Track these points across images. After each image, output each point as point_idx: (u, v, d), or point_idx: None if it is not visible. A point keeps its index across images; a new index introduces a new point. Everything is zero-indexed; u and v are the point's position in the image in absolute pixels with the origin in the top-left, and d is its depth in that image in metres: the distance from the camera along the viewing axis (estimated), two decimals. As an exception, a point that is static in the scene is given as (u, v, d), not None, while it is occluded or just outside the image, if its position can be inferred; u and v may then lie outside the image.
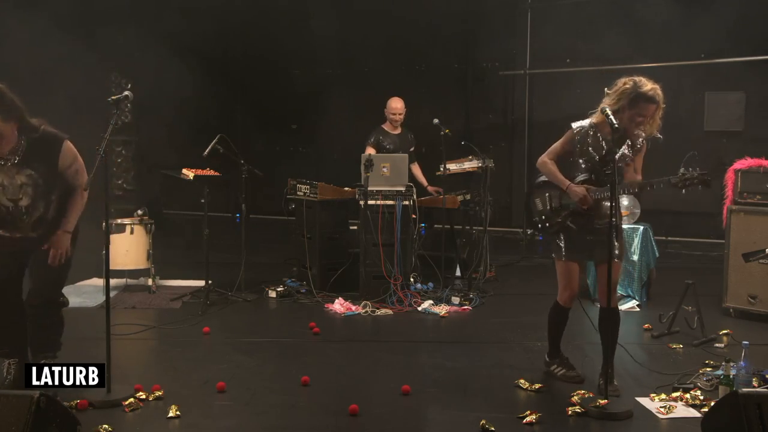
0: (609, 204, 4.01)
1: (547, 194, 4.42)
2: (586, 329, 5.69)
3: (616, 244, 4.10)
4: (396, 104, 7.07)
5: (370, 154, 6.26)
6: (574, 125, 4.35)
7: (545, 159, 4.38)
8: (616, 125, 3.97)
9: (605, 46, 9.11)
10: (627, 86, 4.11)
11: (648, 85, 4.07)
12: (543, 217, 4.42)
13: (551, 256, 4.41)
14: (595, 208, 4.23)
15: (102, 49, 8.33)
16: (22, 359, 4.09)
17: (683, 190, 4.00)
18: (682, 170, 3.98)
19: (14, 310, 4.09)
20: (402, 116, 7.07)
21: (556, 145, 4.40)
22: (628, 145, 4.25)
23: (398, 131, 7.13)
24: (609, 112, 4.04)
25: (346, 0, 10.05)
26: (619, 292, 6.31)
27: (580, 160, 4.29)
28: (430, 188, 7.21)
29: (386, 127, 7.12)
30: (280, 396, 4.16)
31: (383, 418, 3.87)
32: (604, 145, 4.24)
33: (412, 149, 7.20)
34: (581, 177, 4.28)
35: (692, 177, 3.94)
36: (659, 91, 4.09)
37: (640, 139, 4.26)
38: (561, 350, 4.56)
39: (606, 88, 4.32)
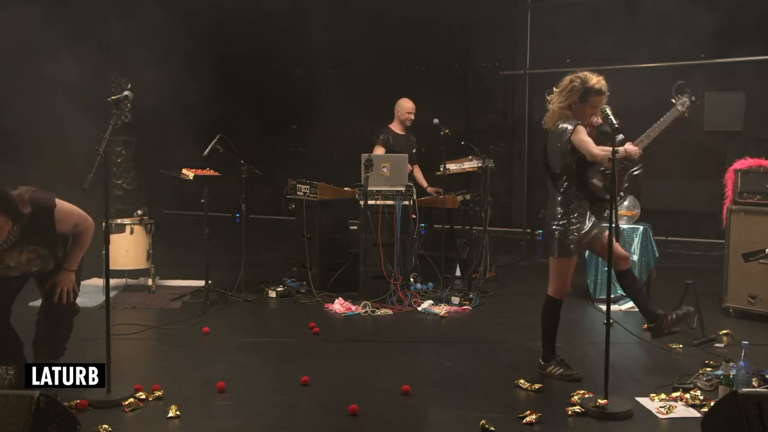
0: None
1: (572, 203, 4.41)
2: (586, 329, 5.70)
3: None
4: (410, 104, 7.07)
5: (370, 154, 6.25)
6: (570, 124, 4.31)
7: (594, 148, 4.21)
8: (617, 125, 3.99)
9: (605, 46, 9.10)
10: (575, 83, 4.30)
11: (594, 79, 4.29)
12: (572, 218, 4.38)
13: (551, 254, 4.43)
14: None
15: (102, 49, 8.33)
16: (20, 365, 4.04)
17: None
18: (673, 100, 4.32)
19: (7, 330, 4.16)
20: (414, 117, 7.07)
21: (588, 138, 4.27)
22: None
23: (403, 132, 7.13)
24: (609, 112, 4.07)
25: (345, 0, 10.05)
26: (619, 292, 6.29)
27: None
28: (430, 189, 7.21)
29: (394, 127, 7.11)
30: (280, 396, 4.16)
31: (383, 418, 3.88)
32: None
33: (413, 151, 7.20)
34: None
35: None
36: (604, 82, 4.31)
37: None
38: (555, 351, 4.57)
39: (554, 87, 4.43)
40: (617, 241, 4.37)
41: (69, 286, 4.09)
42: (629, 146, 4.29)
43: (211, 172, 6.38)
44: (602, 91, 4.30)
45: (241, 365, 4.68)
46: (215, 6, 9.53)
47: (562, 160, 4.33)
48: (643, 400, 4.06)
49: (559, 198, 4.40)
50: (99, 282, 6.81)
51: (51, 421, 3.08)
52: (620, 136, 4.10)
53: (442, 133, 6.79)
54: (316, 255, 6.64)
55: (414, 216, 6.37)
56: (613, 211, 4.02)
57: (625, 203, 6.24)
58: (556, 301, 4.49)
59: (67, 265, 4.08)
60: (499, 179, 8.53)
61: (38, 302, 6.24)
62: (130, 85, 8.42)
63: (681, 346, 5.08)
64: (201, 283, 6.31)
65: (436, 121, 6.82)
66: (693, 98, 4.60)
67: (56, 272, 4.05)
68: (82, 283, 6.77)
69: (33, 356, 4.16)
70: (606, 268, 4.33)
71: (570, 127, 4.27)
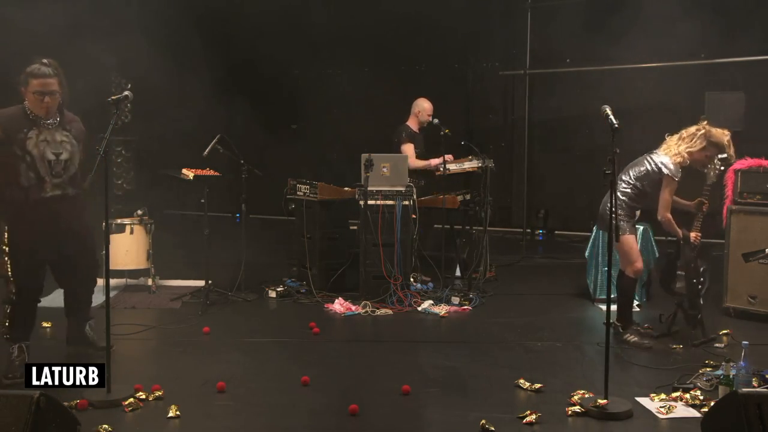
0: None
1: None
2: (586, 329, 5.70)
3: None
4: (430, 105, 7.05)
5: (370, 154, 6.24)
6: (671, 172, 5.03)
7: (666, 215, 5.10)
8: (616, 125, 4.08)
9: (605, 46, 9.11)
10: (700, 131, 5.02)
11: (723, 136, 5.04)
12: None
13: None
14: None
15: (102, 49, 8.32)
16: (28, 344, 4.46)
17: None
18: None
19: (40, 291, 4.50)
20: None
21: (668, 198, 5.07)
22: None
23: (418, 130, 7.12)
24: (609, 112, 4.16)
25: (345, 0, 10.06)
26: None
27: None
28: (443, 158, 6.74)
29: (411, 124, 7.10)
30: (280, 396, 4.16)
31: (383, 418, 3.88)
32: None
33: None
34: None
35: None
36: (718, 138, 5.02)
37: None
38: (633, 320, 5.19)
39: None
40: (616, 241, 4.49)
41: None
42: (687, 234, 5.12)
43: (211, 172, 6.38)
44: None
45: (241, 365, 4.68)
46: (215, 6, 9.54)
47: None
48: (643, 400, 4.06)
49: None
50: (99, 282, 6.79)
51: (51, 421, 3.08)
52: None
53: (442, 133, 6.79)
54: (316, 255, 6.63)
55: (414, 216, 6.36)
56: (613, 211, 4.08)
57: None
58: (629, 278, 5.19)
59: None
60: (499, 179, 8.52)
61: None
62: (130, 85, 8.42)
63: (681, 346, 5.08)
64: (201, 283, 6.31)
65: (436, 121, 6.84)
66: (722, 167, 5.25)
67: (80, 194, 4.46)
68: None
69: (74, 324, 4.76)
70: (606, 269, 4.34)
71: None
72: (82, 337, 4.78)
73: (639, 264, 5.12)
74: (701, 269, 5.24)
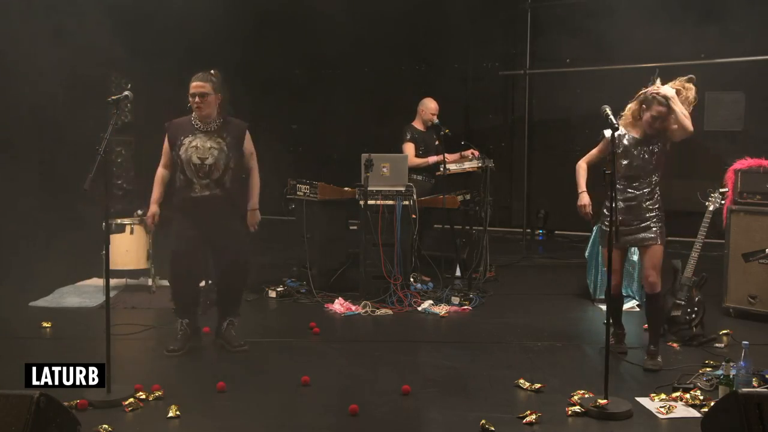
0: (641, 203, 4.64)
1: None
2: (586, 329, 5.70)
3: (654, 228, 4.67)
4: (435, 105, 7.04)
5: (370, 154, 6.24)
6: (607, 133, 4.64)
7: (581, 162, 4.91)
8: (616, 125, 4.13)
9: (605, 46, 9.11)
10: (645, 90, 4.62)
11: (653, 88, 4.57)
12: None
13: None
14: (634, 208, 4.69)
15: (102, 48, 8.32)
16: (193, 321, 4.97)
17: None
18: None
19: (192, 276, 4.93)
20: None
21: (593, 151, 4.88)
22: (654, 143, 4.68)
23: (425, 130, 7.12)
24: (609, 112, 4.21)
25: (346, 0, 10.05)
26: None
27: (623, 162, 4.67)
28: (443, 157, 6.77)
29: (417, 125, 7.10)
30: (280, 396, 4.16)
31: (383, 418, 3.88)
32: (633, 146, 4.67)
33: (437, 143, 7.14)
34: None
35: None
36: (667, 91, 4.52)
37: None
38: (621, 325, 5.00)
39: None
40: (616, 241, 4.43)
41: (256, 220, 5.00)
42: (582, 195, 4.81)
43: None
44: (661, 102, 4.50)
45: (241, 365, 4.68)
46: (215, 6, 9.53)
47: None
48: (643, 400, 4.06)
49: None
50: (99, 282, 6.81)
51: (51, 421, 3.08)
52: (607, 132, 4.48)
53: (442, 133, 6.80)
54: (316, 255, 6.63)
55: (414, 216, 6.36)
56: (613, 211, 4.09)
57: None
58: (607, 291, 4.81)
59: (252, 204, 5.00)
60: (499, 179, 8.52)
61: (38, 302, 6.29)
62: (130, 85, 8.41)
63: (681, 346, 5.08)
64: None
65: (436, 121, 6.85)
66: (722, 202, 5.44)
67: (229, 197, 4.80)
68: (82, 283, 6.87)
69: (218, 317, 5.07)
70: (606, 268, 4.35)
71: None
72: (220, 332, 5.05)
73: (613, 280, 4.61)
74: (696, 299, 5.27)
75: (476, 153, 7.01)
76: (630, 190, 4.68)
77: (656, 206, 4.71)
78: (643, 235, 4.68)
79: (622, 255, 4.89)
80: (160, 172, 4.95)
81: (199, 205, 4.77)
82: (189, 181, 4.75)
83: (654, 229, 4.67)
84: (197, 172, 4.71)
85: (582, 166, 4.89)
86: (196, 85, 4.69)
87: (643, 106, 4.59)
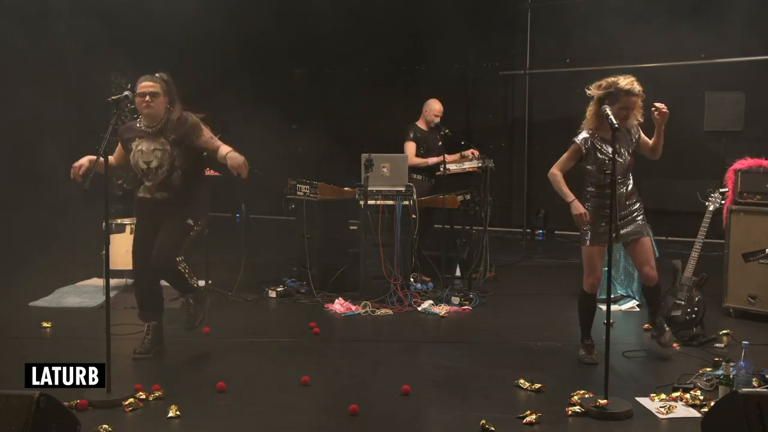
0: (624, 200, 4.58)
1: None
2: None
3: (639, 220, 4.69)
4: (439, 106, 7.03)
5: (370, 154, 6.25)
6: (578, 139, 4.64)
7: (555, 171, 4.73)
8: (616, 125, 4.09)
9: (605, 46, 9.11)
10: (604, 84, 4.47)
11: (625, 80, 4.44)
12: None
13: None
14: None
15: (102, 48, 8.33)
16: (159, 324, 4.91)
17: None
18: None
19: (149, 277, 4.81)
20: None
21: (563, 158, 4.73)
22: (627, 138, 4.63)
23: (428, 130, 7.11)
24: (609, 113, 4.19)
25: (346, 0, 10.05)
26: (619, 292, 6.32)
27: (591, 168, 4.62)
28: (443, 157, 6.80)
29: (420, 125, 7.10)
30: (280, 396, 4.16)
31: (383, 418, 3.88)
32: (605, 147, 4.58)
33: (440, 144, 7.13)
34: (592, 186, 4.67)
35: None
36: (636, 83, 4.45)
37: (634, 129, 4.65)
38: (590, 335, 4.82)
39: (587, 90, 4.58)
40: (616, 242, 4.45)
41: (241, 160, 4.61)
42: (576, 203, 4.64)
43: (211, 172, 6.37)
44: (633, 91, 4.42)
45: (241, 365, 4.68)
46: (215, 6, 9.53)
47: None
48: (643, 400, 4.06)
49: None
50: (99, 282, 6.81)
51: (51, 421, 3.07)
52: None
53: (442, 133, 6.80)
54: (316, 255, 6.63)
55: (414, 216, 6.37)
56: (613, 210, 4.10)
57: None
58: (583, 292, 4.84)
59: (225, 153, 4.65)
60: (499, 179, 8.52)
61: (38, 302, 6.29)
62: (130, 85, 8.41)
63: (680, 346, 5.08)
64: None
65: (437, 121, 6.85)
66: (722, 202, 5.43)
67: (176, 198, 4.70)
68: (82, 283, 6.87)
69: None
70: (606, 268, 4.34)
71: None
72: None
73: (591, 278, 4.71)
74: (696, 299, 5.27)
75: (476, 153, 7.02)
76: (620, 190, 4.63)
77: (637, 200, 4.72)
78: (630, 228, 4.67)
79: (602, 254, 4.72)
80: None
81: (149, 207, 4.78)
82: (140, 182, 4.81)
83: (639, 221, 4.69)
84: (146, 175, 4.71)
85: (558, 174, 4.70)
86: (145, 85, 4.62)
87: (607, 101, 4.45)
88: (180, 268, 4.79)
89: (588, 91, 4.55)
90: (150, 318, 4.90)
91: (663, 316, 5.03)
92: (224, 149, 4.69)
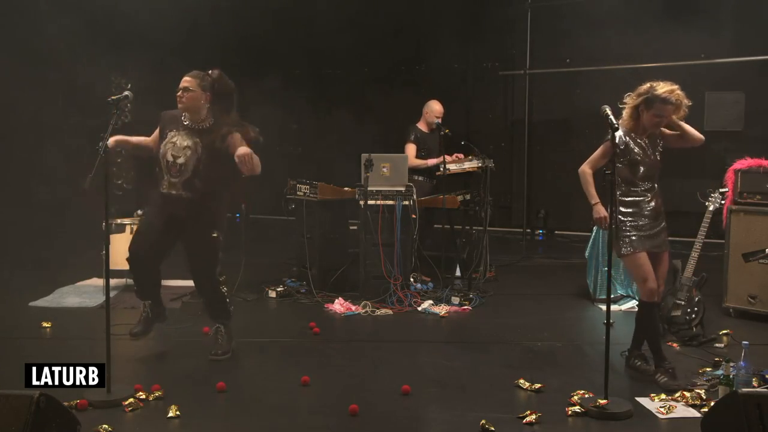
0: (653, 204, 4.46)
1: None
2: (586, 329, 5.70)
3: (665, 233, 4.56)
4: (440, 107, 7.02)
5: (370, 154, 6.24)
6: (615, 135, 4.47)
7: (586, 169, 4.57)
8: (616, 125, 4.09)
9: (605, 46, 9.12)
10: (643, 89, 4.37)
11: (663, 87, 4.32)
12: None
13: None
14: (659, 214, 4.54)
15: (101, 48, 8.33)
16: (156, 302, 4.89)
17: None
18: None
19: (156, 258, 4.77)
20: None
21: (596, 156, 4.57)
22: (657, 143, 4.53)
23: (429, 131, 7.11)
24: (609, 112, 4.14)
25: (346, 1, 10.06)
26: (619, 292, 6.33)
27: (622, 165, 4.47)
28: (443, 158, 6.75)
29: (421, 126, 7.10)
30: (280, 396, 4.16)
31: (383, 418, 3.88)
32: (638, 148, 4.49)
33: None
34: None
35: None
36: (677, 92, 4.33)
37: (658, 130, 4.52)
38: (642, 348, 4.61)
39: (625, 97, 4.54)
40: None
41: (245, 152, 4.33)
42: (598, 206, 4.51)
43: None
44: (669, 100, 4.30)
45: (241, 365, 4.68)
46: (215, 5, 9.53)
47: None
48: (643, 400, 4.06)
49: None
50: (99, 282, 6.81)
51: (51, 421, 3.07)
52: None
53: (442, 133, 6.80)
54: (316, 255, 6.63)
55: (414, 216, 6.37)
56: (613, 211, 4.08)
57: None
58: (642, 303, 4.56)
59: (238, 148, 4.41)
60: (499, 179, 8.52)
61: (38, 302, 6.29)
62: (130, 85, 8.41)
63: (680, 346, 5.08)
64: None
65: (436, 120, 6.86)
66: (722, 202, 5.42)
67: (198, 200, 4.61)
68: (82, 283, 6.87)
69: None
70: (606, 268, 4.34)
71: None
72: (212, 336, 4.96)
73: (649, 284, 4.39)
74: (696, 299, 5.28)
75: (460, 156, 6.93)
76: (649, 195, 4.50)
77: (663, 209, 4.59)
78: (660, 239, 4.51)
79: (648, 258, 4.50)
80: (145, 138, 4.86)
81: (167, 203, 4.65)
82: (161, 176, 4.67)
83: (665, 234, 4.55)
84: (169, 169, 4.59)
85: (588, 173, 4.55)
86: (183, 80, 4.63)
87: (641, 107, 4.42)
88: (223, 289, 4.84)
89: (625, 100, 4.49)
90: (146, 296, 4.86)
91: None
92: (237, 150, 4.40)
